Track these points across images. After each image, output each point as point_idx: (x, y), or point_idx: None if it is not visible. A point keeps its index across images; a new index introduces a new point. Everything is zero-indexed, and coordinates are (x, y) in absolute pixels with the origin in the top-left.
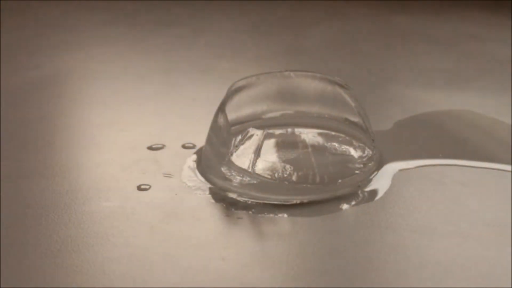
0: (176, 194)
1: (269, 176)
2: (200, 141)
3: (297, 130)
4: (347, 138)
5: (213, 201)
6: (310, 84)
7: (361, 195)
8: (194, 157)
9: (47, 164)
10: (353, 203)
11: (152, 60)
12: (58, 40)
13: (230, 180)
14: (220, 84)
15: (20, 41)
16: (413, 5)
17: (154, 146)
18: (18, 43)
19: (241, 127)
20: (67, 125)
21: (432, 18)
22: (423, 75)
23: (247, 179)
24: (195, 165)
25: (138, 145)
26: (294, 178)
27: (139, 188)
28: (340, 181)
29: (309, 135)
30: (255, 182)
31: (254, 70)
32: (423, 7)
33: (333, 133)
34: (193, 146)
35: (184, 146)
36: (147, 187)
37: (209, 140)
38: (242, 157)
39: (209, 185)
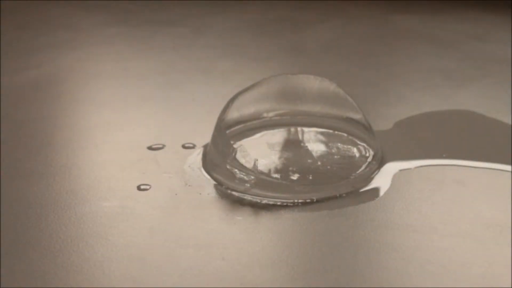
0: (176, 194)
1: (271, 175)
2: (200, 141)
3: (300, 130)
4: (350, 137)
5: (214, 200)
6: (311, 84)
7: (361, 194)
8: (198, 156)
9: (47, 164)
10: (353, 202)
11: (152, 60)
12: (58, 40)
13: (233, 179)
14: (220, 84)
15: (20, 41)
16: (413, 5)
17: (154, 146)
18: (18, 43)
19: (244, 126)
20: (67, 125)
21: (432, 18)
22: (423, 75)
23: (250, 178)
24: (200, 164)
25: (138, 145)
26: (295, 177)
27: (139, 188)
28: (342, 180)
29: (312, 135)
30: (257, 181)
31: (254, 70)
32: (423, 7)
33: (335, 132)
34: (193, 146)
35: (184, 146)
36: (147, 187)
37: (213, 139)
38: (245, 156)
39: (212, 184)
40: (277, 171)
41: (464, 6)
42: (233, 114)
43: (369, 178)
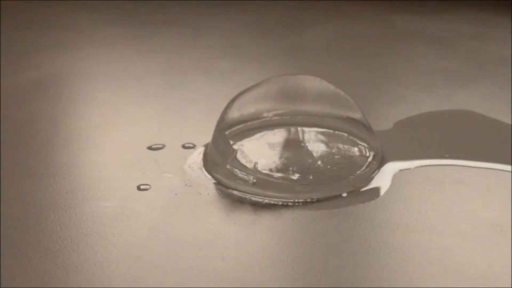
0: (176, 194)
1: (271, 175)
2: (200, 141)
3: (300, 130)
4: (350, 137)
5: (214, 200)
6: (312, 84)
7: (361, 194)
8: (198, 156)
9: (47, 164)
10: (353, 202)
11: (152, 60)
12: (58, 40)
13: (234, 179)
14: (220, 84)
15: (20, 41)
16: (413, 5)
17: (154, 146)
18: (18, 43)
19: (245, 126)
20: (67, 125)
21: (432, 18)
22: (423, 75)
23: (250, 177)
24: (201, 164)
25: (138, 145)
26: (296, 177)
27: (139, 188)
28: (342, 180)
29: (312, 134)
30: (257, 181)
31: (254, 70)
32: (423, 7)
33: (336, 132)
34: (193, 146)
35: (184, 146)
36: (147, 187)
37: (214, 139)
38: (245, 156)
39: (212, 183)
40: (277, 171)
41: (464, 6)
42: (234, 114)
43: (369, 178)
